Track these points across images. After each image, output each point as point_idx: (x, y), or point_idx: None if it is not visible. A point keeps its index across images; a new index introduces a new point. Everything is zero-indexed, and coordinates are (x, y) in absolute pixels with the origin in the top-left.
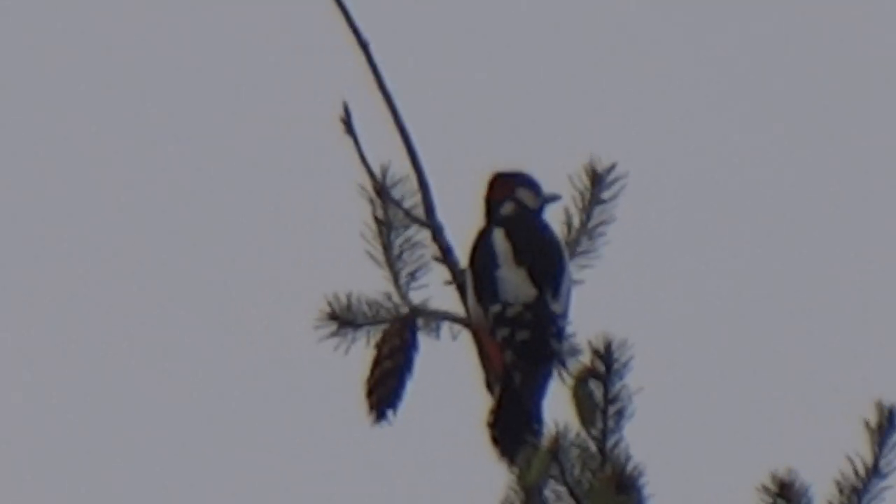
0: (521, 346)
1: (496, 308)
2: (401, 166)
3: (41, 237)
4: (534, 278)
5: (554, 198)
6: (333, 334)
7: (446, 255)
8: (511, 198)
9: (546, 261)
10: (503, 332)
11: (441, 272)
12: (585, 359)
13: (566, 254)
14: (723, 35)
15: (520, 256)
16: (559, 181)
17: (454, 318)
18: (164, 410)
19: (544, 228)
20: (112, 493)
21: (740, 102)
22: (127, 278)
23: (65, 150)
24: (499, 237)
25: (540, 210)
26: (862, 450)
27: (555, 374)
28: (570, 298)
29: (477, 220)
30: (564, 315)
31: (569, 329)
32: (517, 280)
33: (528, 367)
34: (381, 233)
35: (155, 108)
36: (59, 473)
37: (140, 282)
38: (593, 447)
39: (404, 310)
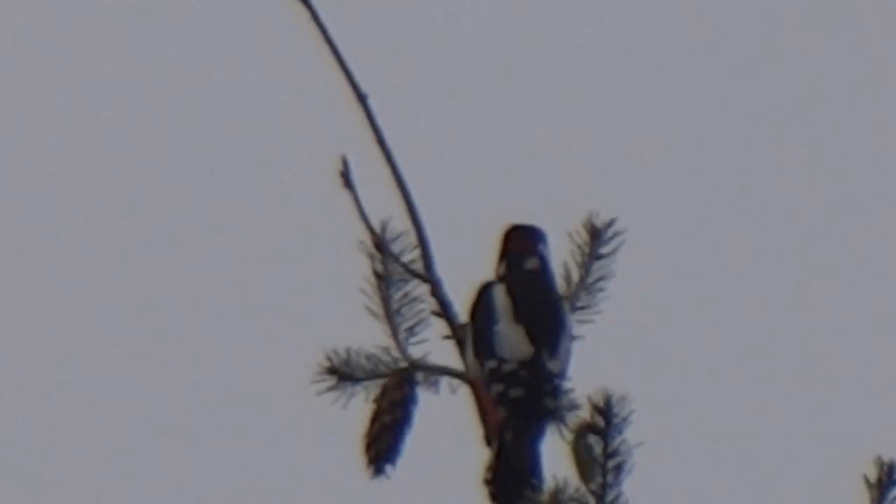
0: (514, 404)
1: (492, 364)
2: (400, 221)
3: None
4: (531, 336)
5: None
6: (332, 388)
7: (445, 310)
8: (534, 252)
9: (546, 319)
10: (497, 388)
11: (440, 327)
12: (585, 413)
13: (567, 311)
14: (719, 87)
15: (519, 313)
16: (558, 236)
17: (453, 373)
18: (163, 465)
19: (548, 285)
20: None
21: (736, 156)
22: (127, 339)
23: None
24: (499, 293)
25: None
26: None
27: (549, 431)
28: (569, 357)
29: (479, 273)
30: (562, 374)
31: (567, 385)
32: (514, 337)
33: (521, 424)
34: (380, 287)
35: (149, 165)
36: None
37: (138, 340)
38: (592, 502)
39: (403, 364)
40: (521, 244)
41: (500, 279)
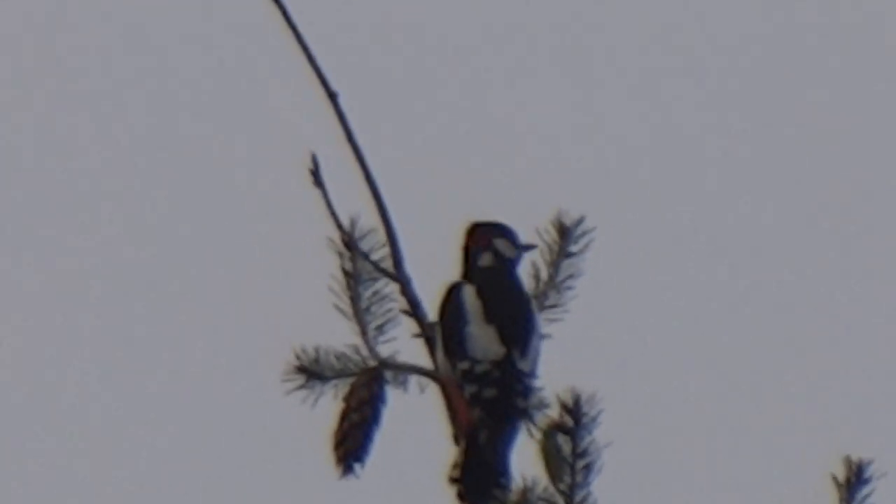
0: (488, 404)
1: (464, 365)
2: (369, 218)
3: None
4: (503, 337)
5: (529, 247)
6: (301, 387)
7: (414, 308)
8: (489, 248)
9: (516, 319)
10: (471, 389)
11: (409, 325)
12: (553, 413)
13: (536, 311)
14: (685, 78)
15: (490, 314)
16: (527, 234)
17: (422, 372)
18: (131, 460)
19: (516, 284)
20: None
21: (711, 151)
22: (99, 323)
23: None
24: (469, 294)
25: (516, 260)
26: None
27: (521, 430)
28: (538, 356)
29: (449, 272)
30: (532, 373)
31: (537, 385)
32: (486, 338)
33: (495, 424)
34: (349, 285)
35: (123, 156)
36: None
37: (109, 329)
38: (561, 502)
39: (372, 363)
40: (476, 240)
41: (465, 278)
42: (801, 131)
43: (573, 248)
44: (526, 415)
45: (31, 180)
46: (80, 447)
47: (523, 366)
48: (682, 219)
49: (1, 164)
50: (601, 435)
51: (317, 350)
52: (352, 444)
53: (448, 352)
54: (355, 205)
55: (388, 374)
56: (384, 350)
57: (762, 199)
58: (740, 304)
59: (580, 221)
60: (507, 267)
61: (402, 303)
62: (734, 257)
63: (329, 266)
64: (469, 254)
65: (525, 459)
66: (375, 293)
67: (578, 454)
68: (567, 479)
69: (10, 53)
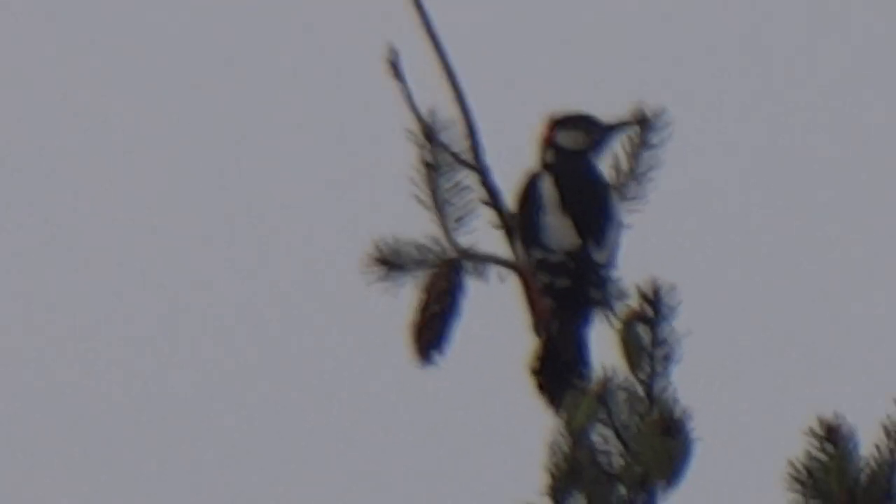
0: (560, 294)
1: (538, 254)
2: (448, 110)
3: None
4: (578, 227)
5: (615, 128)
6: (382, 278)
7: (494, 199)
8: (551, 144)
9: (593, 209)
10: (544, 279)
11: (489, 216)
12: (633, 303)
13: (615, 201)
14: None
15: (566, 204)
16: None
17: (502, 262)
18: (206, 353)
19: (594, 175)
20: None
21: (786, 46)
22: (167, 215)
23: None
24: (547, 183)
25: (596, 147)
26: None
27: (596, 321)
28: (616, 247)
29: (527, 162)
30: (609, 264)
31: (614, 276)
32: (561, 228)
33: (567, 314)
34: (429, 177)
35: (189, 44)
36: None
37: (185, 221)
38: (641, 391)
39: (452, 253)
40: (544, 135)
41: (548, 168)
42: None
43: (654, 140)
44: (600, 305)
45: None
46: (156, 328)
47: (599, 257)
48: (762, 110)
49: None
50: (680, 325)
51: (397, 241)
52: (431, 334)
53: (524, 242)
54: (435, 96)
55: (468, 265)
56: (464, 241)
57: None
58: (820, 192)
59: (661, 112)
60: (580, 159)
61: (481, 193)
62: (813, 153)
63: (409, 157)
64: (549, 144)
65: (605, 350)
66: (455, 184)
67: (657, 344)
68: (647, 368)
69: None
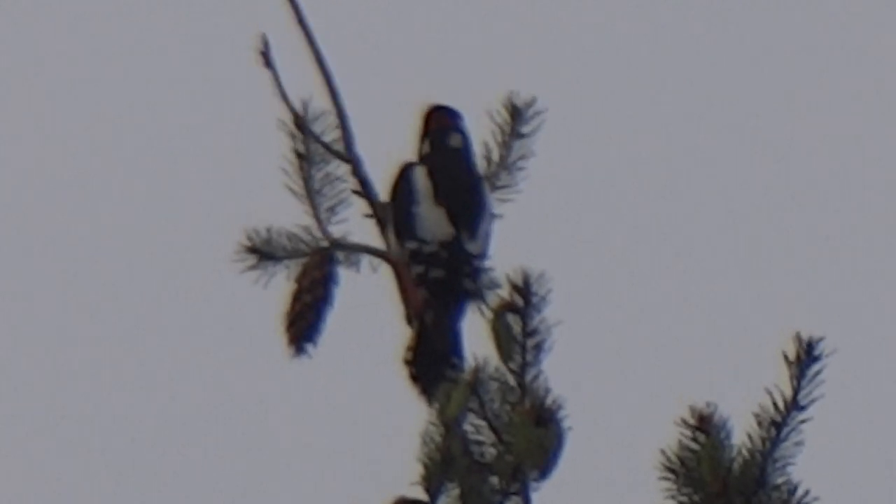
0: (434, 284)
1: (413, 245)
2: (320, 100)
3: None
4: (452, 218)
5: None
6: (253, 267)
7: (366, 189)
8: (457, 129)
9: (466, 200)
10: (418, 269)
11: (361, 206)
12: (504, 292)
13: (488, 192)
14: None
15: (440, 195)
16: (479, 115)
17: (374, 252)
18: (88, 347)
19: (468, 166)
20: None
21: (661, 32)
22: (46, 215)
23: None
24: (420, 174)
25: (468, 143)
26: (781, 382)
27: (469, 311)
28: (489, 238)
29: (400, 153)
30: (482, 254)
31: (487, 266)
32: (435, 219)
33: (441, 305)
34: (301, 166)
35: (78, 38)
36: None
37: (58, 217)
38: (512, 381)
39: (324, 243)
40: (444, 122)
41: (422, 159)
42: None
43: (525, 129)
44: (474, 295)
45: None
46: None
47: (472, 247)
48: (635, 97)
49: None
50: (551, 314)
51: (269, 230)
52: (304, 324)
53: (398, 232)
54: (306, 86)
55: (340, 255)
56: (336, 230)
57: (721, 86)
58: (692, 177)
59: (532, 102)
60: (470, 150)
61: (353, 183)
62: (685, 135)
63: (281, 147)
64: (432, 135)
65: (476, 340)
66: (327, 174)
67: (529, 334)
68: (518, 358)
69: None
